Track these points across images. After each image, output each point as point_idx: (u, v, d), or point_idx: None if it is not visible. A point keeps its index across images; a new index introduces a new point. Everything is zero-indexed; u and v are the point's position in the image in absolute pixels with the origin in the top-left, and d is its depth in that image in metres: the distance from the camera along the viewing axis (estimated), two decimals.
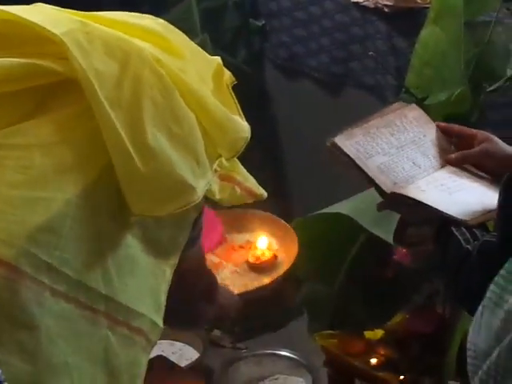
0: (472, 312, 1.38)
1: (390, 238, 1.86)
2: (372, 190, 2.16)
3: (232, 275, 2.18)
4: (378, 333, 2.28)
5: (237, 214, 2.35)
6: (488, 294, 0.87)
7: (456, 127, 1.62)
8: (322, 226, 2.18)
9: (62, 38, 1.05)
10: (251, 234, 2.35)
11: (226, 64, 1.30)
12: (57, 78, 1.10)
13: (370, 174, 1.51)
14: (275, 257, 2.24)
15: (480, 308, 0.88)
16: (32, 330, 1.03)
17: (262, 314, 2.43)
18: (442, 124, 1.64)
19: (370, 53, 2.48)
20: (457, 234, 1.41)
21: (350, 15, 2.83)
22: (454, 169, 1.55)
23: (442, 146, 1.60)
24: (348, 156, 1.52)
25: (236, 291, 1.87)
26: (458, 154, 1.57)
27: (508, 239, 0.95)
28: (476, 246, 1.34)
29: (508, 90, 2.25)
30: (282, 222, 2.31)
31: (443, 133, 1.62)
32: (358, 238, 2.19)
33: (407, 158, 1.56)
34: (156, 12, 1.41)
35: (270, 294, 2.20)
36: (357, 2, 2.77)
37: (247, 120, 1.30)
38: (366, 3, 2.74)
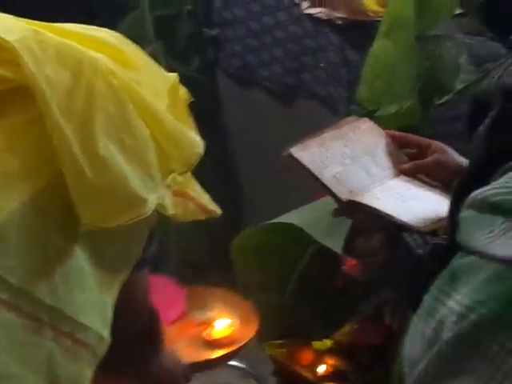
0: None
1: (339, 249, 1.88)
2: (322, 201, 2.19)
3: (185, 349, 2.19)
4: (327, 343, 2.29)
5: (200, 291, 2.38)
6: (422, 304, 0.89)
7: (411, 136, 1.64)
8: (273, 235, 2.18)
9: (14, 44, 1.04)
10: (212, 312, 2.37)
11: (179, 72, 1.30)
12: (8, 85, 1.09)
13: (326, 182, 1.53)
14: (232, 335, 2.27)
15: (415, 318, 0.89)
16: None
17: None
18: (398, 133, 1.66)
19: (322, 64, 2.50)
20: (408, 240, 1.43)
21: (303, 27, 2.85)
22: (407, 178, 1.58)
23: (395, 156, 1.63)
24: (304, 166, 1.55)
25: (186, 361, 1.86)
26: (411, 163, 1.59)
27: (455, 244, 0.96)
28: (427, 249, 1.36)
29: (457, 104, 2.28)
30: (244, 301, 2.33)
31: (399, 142, 1.65)
32: (308, 249, 2.20)
33: (362, 168, 1.58)
34: (112, 23, 1.41)
35: None
36: (310, 14, 2.79)
37: (199, 129, 1.30)
38: (318, 15, 2.76)
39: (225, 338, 2.26)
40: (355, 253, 1.94)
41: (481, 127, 1.25)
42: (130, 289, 1.24)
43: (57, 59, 1.07)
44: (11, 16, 1.14)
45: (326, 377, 2.19)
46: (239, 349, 2.23)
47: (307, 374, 2.19)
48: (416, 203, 1.52)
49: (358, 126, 1.67)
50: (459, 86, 2.14)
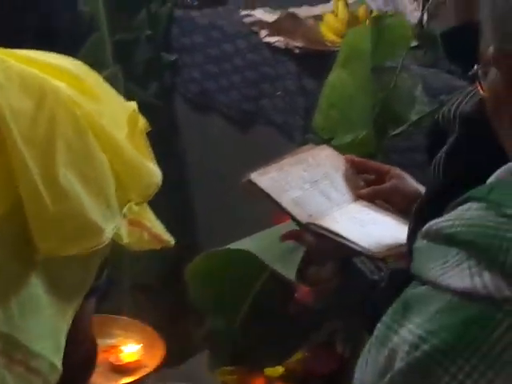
0: None
1: (292, 276, 1.88)
2: (276, 228, 2.20)
3: (94, 374, 2.19)
4: (279, 370, 2.29)
5: (104, 319, 2.38)
6: (375, 333, 0.89)
7: (370, 162, 1.68)
8: (227, 261, 2.18)
9: None
10: (116, 339, 2.38)
11: (137, 97, 1.30)
12: None
13: (285, 206, 1.55)
14: (139, 361, 2.27)
15: (367, 346, 0.90)
16: None
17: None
18: (357, 159, 1.69)
19: (278, 93, 2.52)
20: (361, 266, 1.44)
21: (262, 55, 2.87)
22: (366, 203, 1.61)
23: (354, 181, 1.66)
24: (263, 191, 1.56)
25: None
26: (369, 189, 1.62)
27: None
28: (385, 275, 1.37)
29: (411, 135, 2.31)
30: (149, 328, 2.34)
31: (358, 167, 1.67)
32: (261, 275, 2.20)
33: (321, 193, 1.61)
34: (71, 47, 1.41)
35: None
36: (268, 43, 2.81)
37: (156, 154, 1.31)
38: (277, 44, 2.78)
39: (132, 363, 2.26)
40: (308, 280, 1.95)
41: (439, 154, 1.27)
42: (79, 316, 1.24)
43: (20, 87, 1.07)
44: None
45: None
46: (147, 375, 2.23)
47: None
48: (374, 228, 1.54)
49: (317, 153, 1.70)
50: (414, 117, 2.17)
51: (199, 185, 3.27)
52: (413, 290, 0.88)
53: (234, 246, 2.17)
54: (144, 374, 2.25)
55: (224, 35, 2.98)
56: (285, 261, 1.95)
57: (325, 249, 1.52)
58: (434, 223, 0.89)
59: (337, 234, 1.48)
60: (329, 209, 1.57)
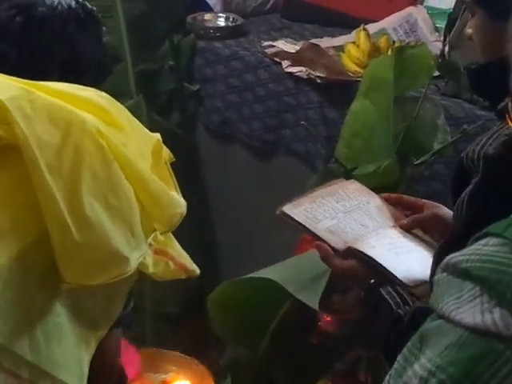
0: None
1: (315, 305, 1.89)
2: (299, 258, 2.20)
3: None
4: None
5: (155, 354, 2.38)
6: (395, 365, 0.91)
7: (406, 197, 1.70)
8: (249, 290, 2.18)
9: (5, 103, 1.06)
10: (167, 375, 2.37)
11: (160, 127, 1.32)
12: None
13: (320, 234, 1.58)
14: None
15: (387, 377, 0.91)
16: None
17: None
18: (393, 195, 1.71)
19: (302, 122, 2.53)
20: (387, 297, 1.44)
21: (284, 84, 2.88)
22: (401, 230, 1.62)
23: (387, 211, 1.68)
24: (298, 222, 1.60)
25: None
26: (410, 218, 1.64)
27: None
28: (409, 312, 1.37)
29: (434, 164, 2.32)
30: (201, 366, 2.34)
31: (394, 202, 1.69)
32: (283, 304, 2.20)
33: (355, 221, 1.63)
34: (97, 81, 1.43)
35: None
36: (290, 73, 2.83)
37: (177, 183, 1.32)
38: (299, 74, 2.79)
39: None
40: (331, 309, 1.96)
41: (463, 194, 1.28)
42: (106, 346, 1.24)
43: (47, 119, 1.09)
44: (2, 74, 1.16)
45: None
46: None
47: None
48: (408, 258, 1.56)
49: (347, 187, 1.72)
50: (437, 146, 2.18)
51: (221, 214, 3.28)
52: (429, 324, 0.89)
53: (256, 274, 2.17)
54: None
55: (246, 65, 3.00)
56: (308, 290, 1.96)
57: (357, 273, 1.53)
58: (453, 257, 0.90)
59: (373, 260, 1.51)
60: (364, 235, 1.60)
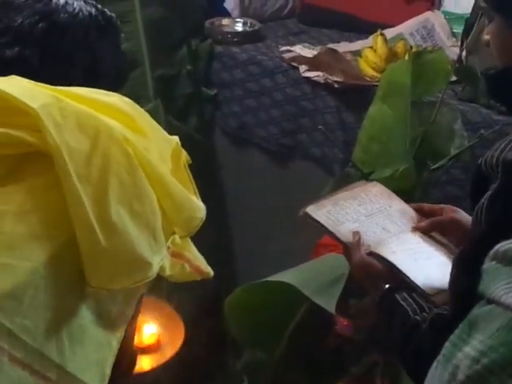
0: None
1: (332, 309, 1.90)
2: (316, 262, 2.21)
3: None
4: None
5: None
6: (442, 351, 0.95)
7: (426, 206, 1.71)
8: (266, 294, 2.19)
9: (37, 111, 1.07)
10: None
11: (177, 131, 1.33)
12: (28, 149, 1.12)
13: (343, 238, 1.59)
14: (159, 341, 2.26)
15: (435, 363, 0.95)
16: None
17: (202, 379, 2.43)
18: (413, 205, 1.73)
19: (320, 126, 2.54)
20: (403, 303, 1.45)
21: (301, 89, 2.89)
22: (421, 235, 1.64)
23: (408, 214, 1.69)
24: (320, 224, 1.62)
25: None
26: (428, 221, 1.66)
27: (458, 316, 1.00)
28: (427, 318, 1.38)
29: (451, 169, 2.32)
30: (167, 307, 2.33)
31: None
32: (300, 308, 2.21)
33: (377, 224, 1.65)
34: (116, 84, 1.45)
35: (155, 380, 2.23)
36: (308, 77, 2.83)
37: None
38: (316, 78, 2.80)
39: (152, 345, 2.23)
40: (348, 313, 1.96)
41: (482, 200, 1.28)
42: (124, 344, 1.26)
43: (76, 127, 1.11)
44: (28, 80, 1.18)
45: None
46: (172, 358, 2.20)
47: None
48: (427, 264, 1.57)
49: (369, 189, 1.74)
50: (454, 151, 2.18)
51: (238, 218, 3.29)
52: (478, 310, 0.92)
53: (273, 278, 2.18)
54: (168, 357, 2.22)
55: (263, 70, 3.01)
56: (325, 293, 1.96)
57: (375, 272, 1.55)
58: (502, 245, 0.93)
59: (393, 266, 1.52)
60: (385, 239, 1.61)
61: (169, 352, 2.37)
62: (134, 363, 1.46)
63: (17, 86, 1.14)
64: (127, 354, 1.37)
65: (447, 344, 0.94)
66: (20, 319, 1.05)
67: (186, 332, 2.34)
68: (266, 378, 2.33)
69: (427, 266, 1.57)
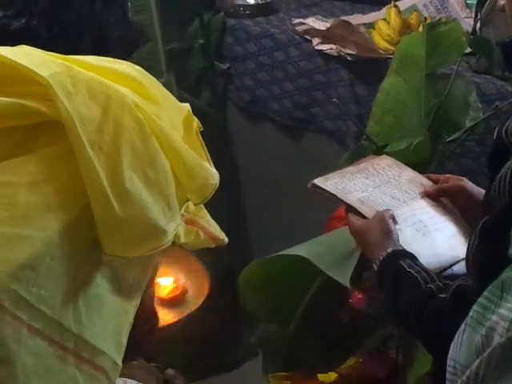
0: (437, 355, 1.42)
1: (346, 282, 1.89)
2: (330, 235, 2.21)
3: None
4: (332, 376, 2.30)
5: None
6: (471, 314, 0.95)
7: (432, 176, 1.72)
8: (280, 267, 2.19)
9: (48, 80, 1.07)
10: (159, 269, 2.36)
11: (190, 105, 1.32)
12: (40, 119, 1.12)
13: (353, 204, 1.61)
14: (185, 292, 2.24)
15: (462, 326, 0.95)
16: (8, 365, 1.03)
17: (217, 353, 2.43)
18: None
19: (334, 99, 2.53)
20: (411, 270, 1.45)
21: (314, 62, 2.88)
22: (430, 202, 1.65)
23: (420, 181, 1.70)
24: (329, 193, 1.64)
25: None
26: (436, 187, 1.67)
27: (483, 286, 0.99)
28: (450, 290, 1.37)
29: (465, 141, 2.31)
30: (192, 257, 2.31)
31: None
32: (314, 281, 2.21)
33: (385, 194, 1.67)
34: (127, 54, 1.44)
35: (181, 331, 2.21)
36: (321, 50, 2.82)
37: None
38: (329, 51, 2.79)
39: (177, 296, 2.23)
40: (362, 286, 1.96)
41: (503, 169, 1.27)
42: (142, 303, 1.26)
43: (87, 94, 1.10)
44: (39, 50, 1.17)
45: None
46: (196, 310, 2.20)
47: None
48: (437, 237, 1.57)
49: (377, 163, 1.74)
50: (469, 123, 2.17)
51: (251, 192, 3.29)
52: (510, 273, 0.92)
53: (287, 252, 2.18)
54: (193, 308, 2.22)
55: (276, 43, 2.99)
56: (339, 267, 1.96)
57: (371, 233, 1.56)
58: None
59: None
60: (395, 206, 1.62)
61: (192, 305, 2.34)
62: (154, 326, 1.47)
63: (26, 55, 1.13)
64: (148, 318, 1.38)
65: (476, 307, 0.94)
66: (37, 289, 1.05)
67: (210, 287, 2.31)
68: (281, 351, 2.33)
69: (436, 240, 1.58)
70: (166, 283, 2.28)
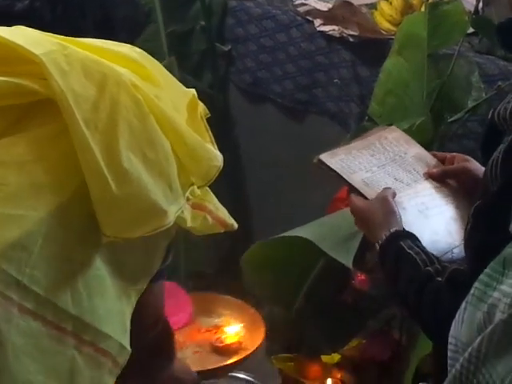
0: (436, 340, 1.42)
1: (349, 263, 1.89)
2: (332, 216, 2.20)
3: (193, 355, 2.20)
4: (335, 357, 2.30)
5: (207, 298, 2.39)
6: (472, 292, 0.95)
7: (438, 154, 1.72)
8: (283, 249, 2.19)
9: (41, 58, 1.07)
10: (219, 319, 2.38)
11: (192, 87, 1.32)
12: (34, 98, 1.11)
13: (356, 185, 1.60)
14: (240, 343, 2.27)
15: (463, 304, 0.95)
16: None
17: None
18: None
19: (336, 80, 2.52)
20: (410, 252, 1.44)
21: (316, 43, 2.87)
22: (434, 183, 1.65)
23: (426, 160, 1.70)
24: (333, 171, 1.63)
25: (195, 369, 1.88)
26: (439, 168, 1.67)
27: (478, 271, 0.99)
28: (445, 273, 1.37)
29: (467, 122, 2.30)
30: (252, 309, 2.34)
31: None
32: (317, 263, 2.21)
33: (389, 175, 1.66)
34: (131, 36, 1.44)
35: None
36: (323, 31, 2.81)
37: None
38: (331, 32, 2.78)
39: (233, 344, 2.26)
40: (365, 267, 1.96)
41: (495, 153, 1.27)
42: (147, 299, 1.26)
43: (82, 73, 1.09)
44: (37, 30, 1.17)
45: None
46: (248, 356, 2.23)
47: None
48: (437, 222, 1.57)
49: (385, 136, 1.74)
50: (471, 103, 2.16)
51: (253, 174, 3.28)
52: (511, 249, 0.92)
53: (289, 233, 2.18)
54: (244, 355, 2.24)
55: (278, 24, 2.98)
56: (342, 248, 1.96)
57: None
58: None
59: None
60: (398, 189, 1.62)
61: None
62: (169, 336, 1.45)
63: (22, 35, 1.13)
64: (157, 321, 1.37)
65: (477, 284, 0.94)
66: (30, 270, 1.05)
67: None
68: (284, 333, 2.34)
69: (437, 223, 1.58)
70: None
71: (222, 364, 2.20)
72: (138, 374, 1.37)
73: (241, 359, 2.23)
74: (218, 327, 2.34)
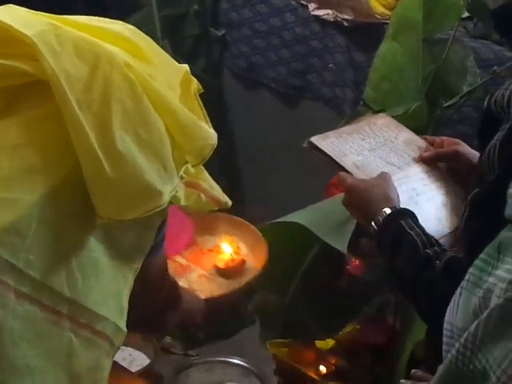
0: (428, 322, 1.41)
1: (343, 249, 1.89)
2: (327, 201, 2.20)
3: (199, 279, 2.17)
4: (329, 342, 2.30)
5: (207, 217, 2.34)
6: (467, 277, 0.95)
7: (428, 137, 1.72)
8: (277, 234, 2.18)
9: (33, 39, 1.05)
10: (220, 237, 2.34)
11: None
12: (27, 80, 1.10)
13: (347, 168, 1.60)
14: (243, 262, 2.23)
15: (458, 290, 0.95)
16: None
17: (219, 320, 2.42)
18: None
19: (330, 65, 2.51)
20: (411, 232, 1.43)
21: (310, 28, 2.86)
22: (426, 167, 1.65)
23: (416, 144, 1.69)
24: (325, 153, 1.63)
25: (203, 296, 1.86)
26: (431, 152, 1.66)
27: (474, 258, 0.99)
28: (441, 260, 1.36)
29: (463, 107, 2.29)
30: (252, 227, 2.30)
31: None
32: (312, 248, 2.20)
33: (380, 158, 1.66)
34: (121, 16, 1.42)
35: (237, 301, 2.20)
36: (317, 16, 2.80)
37: None
38: (325, 17, 2.77)
39: (237, 264, 2.23)
40: (360, 253, 1.96)
41: (492, 141, 1.26)
42: (151, 271, 1.26)
43: (74, 53, 1.09)
44: (28, 10, 1.16)
45: (328, 376, 2.20)
46: (254, 279, 2.20)
47: (309, 373, 2.19)
48: (427, 209, 1.56)
49: (374, 122, 1.74)
50: (466, 88, 2.15)
51: (247, 159, 3.28)
52: (507, 233, 0.91)
53: (284, 219, 2.17)
54: (251, 277, 2.22)
55: (272, 9, 2.98)
56: (336, 234, 1.95)
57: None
58: None
59: None
60: (390, 172, 1.61)
61: None
62: (175, 293, 1.45)
63: (12, 15, 1.12)
64: (164, 283, 1.37)
65: (472, 270, 0.93)
66: (24, 254, 1.04)
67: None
68: (278, 318, 2.33)
69: (427, 209, 1.57)
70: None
71: (228, 290, 2.16)
72: (150, 324, 1.41)
73: (246, 283, 2.19)
74: (219, 247, 2.30)
